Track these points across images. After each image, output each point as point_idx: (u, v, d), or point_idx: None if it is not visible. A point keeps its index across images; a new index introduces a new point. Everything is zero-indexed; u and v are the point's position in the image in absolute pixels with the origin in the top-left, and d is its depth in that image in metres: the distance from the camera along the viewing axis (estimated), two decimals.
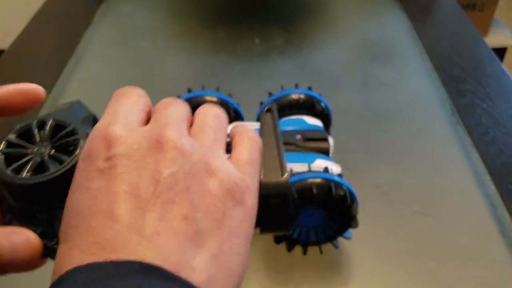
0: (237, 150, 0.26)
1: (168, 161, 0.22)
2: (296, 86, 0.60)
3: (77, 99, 0.29)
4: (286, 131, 0.52)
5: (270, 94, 0.60)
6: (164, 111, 0.25)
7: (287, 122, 0.55)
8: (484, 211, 0.58)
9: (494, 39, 1.70)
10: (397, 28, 0.97)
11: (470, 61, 0.84)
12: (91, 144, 0.23)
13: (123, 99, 0.26)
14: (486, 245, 0.54)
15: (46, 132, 0.26)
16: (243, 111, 0.60)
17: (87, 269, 0.19)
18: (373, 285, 0.50)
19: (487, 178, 0.62)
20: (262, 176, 0.26)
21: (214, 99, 0.57)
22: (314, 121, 0.55)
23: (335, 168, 0.49)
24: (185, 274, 0.20)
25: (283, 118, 0.57)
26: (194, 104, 0.57)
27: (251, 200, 0.24)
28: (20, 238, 0.23)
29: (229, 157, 0.26)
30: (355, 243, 0.53)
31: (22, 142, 0.26)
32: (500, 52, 1.74)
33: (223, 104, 0.57)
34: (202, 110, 0.27)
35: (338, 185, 0.46)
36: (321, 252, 0.51)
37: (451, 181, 0.63)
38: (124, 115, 0.24)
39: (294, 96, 0.57)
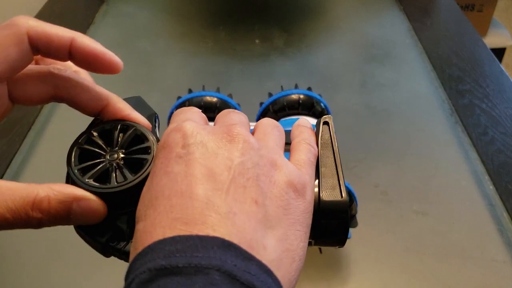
0: (296, 154, 0.28)
1: (239, 151, 0.24)
2: (296, 86, 0.60)
3: (138, 95, 0.31)
4: (286, 131, 0.53)
5: (270, 94, 0.60)
6: (228, 116, 0.28)
7: (287, 122, 0.55)
8: (483, 211, 0.58)
9: (493, 39, 1.70)
10: (396, 29, 0.97)
11: (469, 61, 0.85)
12: (167, 137, 0.25)
13: (185, 112, 0.29)
14: (484, 244, 0.55)
15: (124, 138, 0.28)
16: (243, 111, 0.60)
17: (173, 241, 0.21)
18: (372, 283, 0.51)
19: (486, 178, 0.63)
20: (322, 195, 0.28)
21: (215, 99, 0.58)
22: (313, 121, 0.55)
23: None
24: (257, 252, 0.22)
25: (283, 118, 0.57)
26: (195, 105, 0.58)
27: (310, 195, 0.26)
28: (91, 205, 0.25)
29: (289, 160, 0.28)
30: (354, 242, 0.53)
31: (101, 141, 0.28)
32: (499, 52, 1.74)
33: (223, 104, 0.58)
34: (263, 121, 0.30)
35: None
36: (320, 251, 0.51)
37: (450, 181, 0.63)
38: (192, 118, 0.27)
39: (294, 97, 0.57)
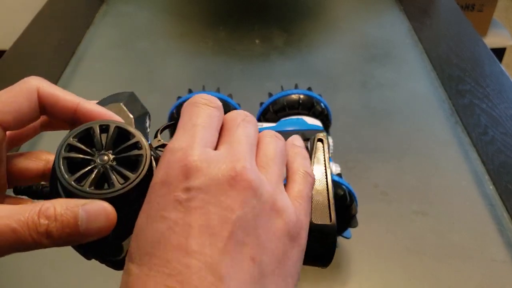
0: (294, 185, 0.27)
1: (241, 201, 0.24)
2: (296, 86, 0.60)
3: (131, 91, 0.30)
4: (286, 131, 0.53)
5: (270, 94, 0.60)
6: (236, 133, 0.27)
7: (287, 122, 0.55)
8: (483, 211, 0.58)
9: (493, 39, 1.70)
10: (396, 29, 0.97)
11: (469, 61, 0.85)
12: (168, 170, 0.24)
13: (199, 114, 0.27)
14: (484, 244, 0.55)
15: (108, 138, 0.26)
16: None
17: None
18: (372, 283, 0.51)
19: (486, 178, 0.63)
20: (312, 217, 0.27)
21: None
22: (313, 121, 0.55)
23: (334, 168, 0.49)
24: None
25: (283, 118, 0.57)
26: None
27: (304, 238, 0.26)
28: (96, 207, 0.24)
29: (287, 189, 0.27)
30: (354, 242, 0.53)
31: (84, 147, 0.26)
32: (499, 52, 1.74)
33: (223, 104, 0.58)
34: (266, 139, 0.28)
35: (338, 184, 0.47)
36: None
37: (450, 181, 0.63)
38: (200, 136, 0.25)
39: (294, 97, 0.57)
